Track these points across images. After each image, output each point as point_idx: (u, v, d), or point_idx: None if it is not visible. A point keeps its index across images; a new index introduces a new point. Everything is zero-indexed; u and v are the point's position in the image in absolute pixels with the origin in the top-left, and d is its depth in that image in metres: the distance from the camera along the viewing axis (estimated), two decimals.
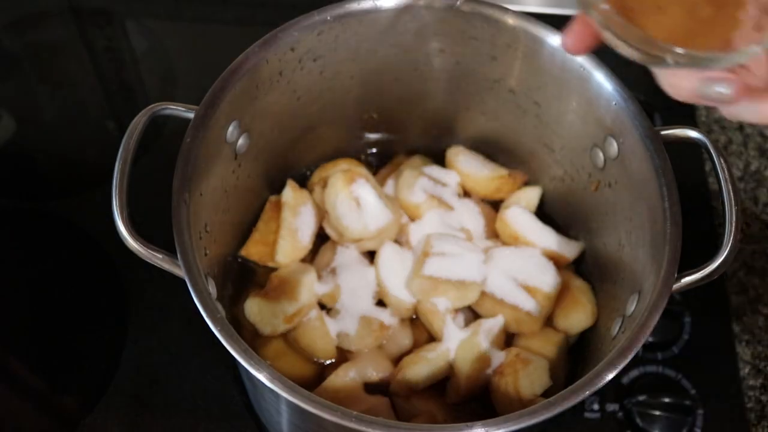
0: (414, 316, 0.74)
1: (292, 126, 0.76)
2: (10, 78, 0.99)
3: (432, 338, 0.73)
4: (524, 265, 0.73)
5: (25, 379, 0.77)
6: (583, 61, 0.66)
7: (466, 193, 0.82)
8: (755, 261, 0.86)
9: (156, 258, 0.56)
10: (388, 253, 0.75)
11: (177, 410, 0.74)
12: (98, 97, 0.99)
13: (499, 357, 0.69)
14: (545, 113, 0.74)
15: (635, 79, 0.97)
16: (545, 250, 0.75)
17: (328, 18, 0.68)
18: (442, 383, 0.71)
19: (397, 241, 0.77)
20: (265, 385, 0.51)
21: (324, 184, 0.77)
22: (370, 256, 0.77)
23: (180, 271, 0.55)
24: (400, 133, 0.83)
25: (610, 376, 0.53)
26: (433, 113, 0.81)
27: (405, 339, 0.73)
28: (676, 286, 0.57)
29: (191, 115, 0.62)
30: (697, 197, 0.89)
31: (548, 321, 0.73)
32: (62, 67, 1.01)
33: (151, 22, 1.04)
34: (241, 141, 0.68)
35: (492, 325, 0.71)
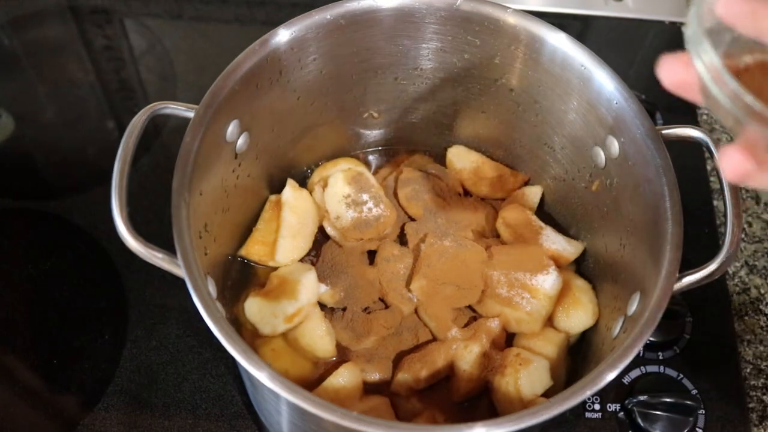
0: (414, 316, 0.74)
1: (292, 126, 0.76)
2: (10, 77, 0.99)
3: (432, 338, 0.73)
4: (525, 265, 0.73)
5: (25, 378, 0.76)
6: (584, 60, 0.66)
7: (466, 193, 0.81)
8: (757, 260, 0.86)
9: (156, 258, 0.56)
10: (388, 253, 0.75)
11: (177, 410, 0.74)
12: (98, 97, 0.99)
13: (499, 357, 0.69)
14: (546, 112, 0.74)
15: (636, 78, 0.98)
16: (546, 250, 0.75)
17: (328, 17, 0.68)
18: (442, 383, 0.71)
19: (397, 241, 0.77)
20: (265, 385, 0.51)
21: (324, 184, 0.77)
22: (370, 255, 0.77)
23: (180, 271, 0.55)
24: (400, 133, 0.83)
25: (612, 376, 0.53)
26: (433, 113, 0.81)
27: (405, 339, 0.73)
28: (677, 285, 0.57)
29: (191, 115, 0.62)
30: (698, 196, 0.89)
31: (549, 321, 0.73)
32: (62, 67, 1.01)
33: (150, 21, 1.04)
34: (241, 141, 0.68)
35: (492, 325, 0.71)
